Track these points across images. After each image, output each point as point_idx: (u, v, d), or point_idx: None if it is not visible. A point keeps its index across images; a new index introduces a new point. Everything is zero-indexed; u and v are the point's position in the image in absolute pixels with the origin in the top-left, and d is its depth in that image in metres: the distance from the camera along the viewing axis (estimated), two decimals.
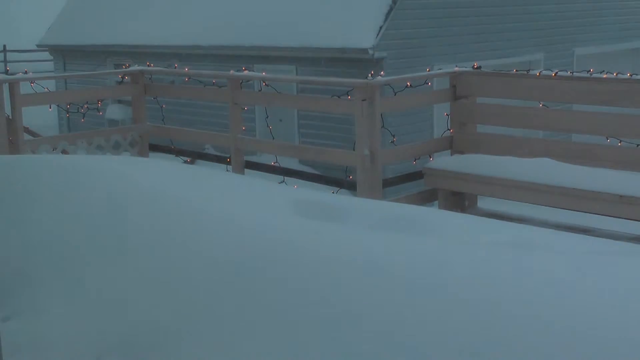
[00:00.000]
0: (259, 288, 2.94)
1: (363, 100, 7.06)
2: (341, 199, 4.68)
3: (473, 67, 8.03)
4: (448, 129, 7.94)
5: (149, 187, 3.99)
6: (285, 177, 8.39)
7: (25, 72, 8.57)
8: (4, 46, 28.52)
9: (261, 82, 9.25)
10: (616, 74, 6.92)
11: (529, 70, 7.69)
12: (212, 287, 3.03)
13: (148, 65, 9.96)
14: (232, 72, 8.58)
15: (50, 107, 9.82)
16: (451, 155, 7.89)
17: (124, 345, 2.91)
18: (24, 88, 8.15)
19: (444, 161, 7.69)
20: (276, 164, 8.45)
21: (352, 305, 2.71)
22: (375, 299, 2.70)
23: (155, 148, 9.58)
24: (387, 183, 8.04)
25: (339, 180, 8.28)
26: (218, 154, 10.16)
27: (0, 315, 3.22)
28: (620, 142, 6.98)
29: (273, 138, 9.29)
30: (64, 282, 3.35)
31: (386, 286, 2.77)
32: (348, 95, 7.59)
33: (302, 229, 3.36)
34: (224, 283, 3.02)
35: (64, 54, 18.44)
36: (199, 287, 3.06)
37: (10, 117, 8.12)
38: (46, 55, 20.43)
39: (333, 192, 7.61)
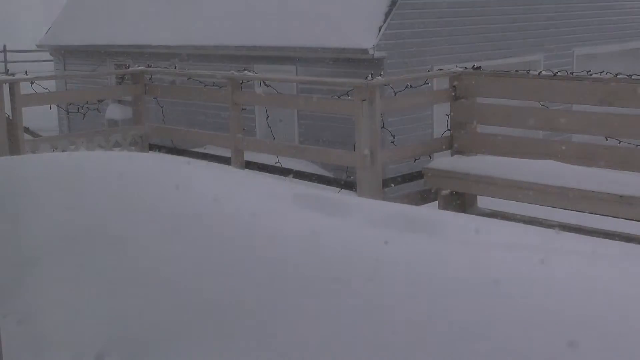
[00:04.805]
0: (260, 287, 2.94)
1: (363, 100, 7.06)
2: (343, 197, 4.68)
3: (473, 67, 8.03)
4: (448, 129, 7.93)
5: (148, 184, 3.99)
6: (286, 177, 8.38)
7: (26, 73, 8.57)
8: (4, 46, 28.52)
9: (261, 82, 9.25)
10: (616, 74, 6.92)
11: (529, 70, 7.68)
12: (213, 285, 3.03)
13: (148, 66, 9.96)
14: (232, 72, 8.58)
15: (50, 107, 9.81)
16: (451, 155, 7.88)
17: (124, 344, 2.91)
18: (24, 88, 8.15)
19: (444, 161, 7.68)
20: (277, 164, 8.45)
21: (354, 301, 2.72)
22: (375, 296, 2.71)
23: (155, 148, 9.59)
24: (387, 183, 8.04)
25: (339, 180, 8.27)
26: (218, 154, 10.15)
27: (1, 315, 3.22)
28: (620, 142, 6.97)
29: (274, 138, 9.29)
30: (64, 282, 3.35)
31: (385, 283, 2.77)
32: (348, 96, 7.59)
33: (304, 225, 3.36)
34: (224, 282, 3.02)
35: (64, 54, 18.43)
36: (199, 286, 3.06)
37: (11, 117, 8.12)
38: (46, 55, 20.43)
39: (338, 192, 7.60)
